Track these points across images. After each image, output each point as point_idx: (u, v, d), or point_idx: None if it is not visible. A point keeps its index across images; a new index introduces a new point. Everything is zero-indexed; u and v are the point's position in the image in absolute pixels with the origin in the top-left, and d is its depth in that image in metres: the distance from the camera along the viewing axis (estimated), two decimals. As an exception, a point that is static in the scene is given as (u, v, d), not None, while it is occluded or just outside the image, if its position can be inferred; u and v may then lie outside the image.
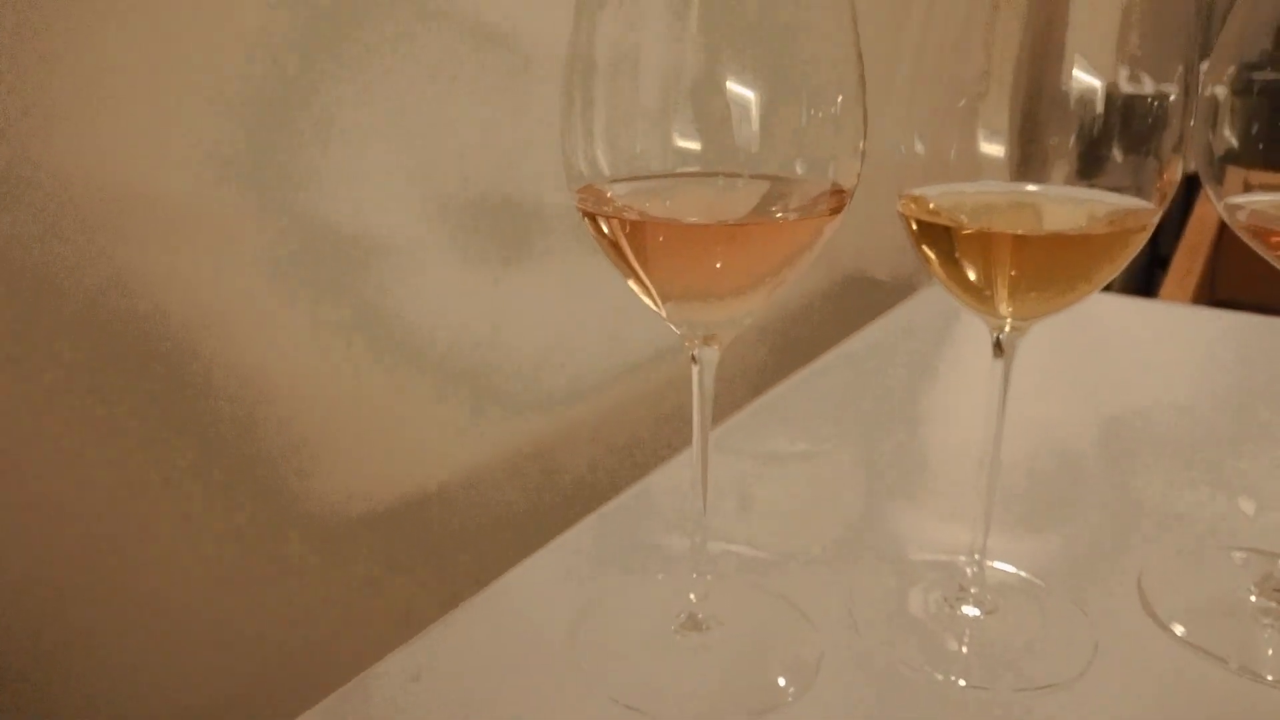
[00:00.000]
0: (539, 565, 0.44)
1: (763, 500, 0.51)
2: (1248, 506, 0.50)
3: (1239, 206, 0.37)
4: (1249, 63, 0.36)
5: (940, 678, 0.37)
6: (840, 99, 0.31)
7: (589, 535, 0.47)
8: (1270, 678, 0.37)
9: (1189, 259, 1.16)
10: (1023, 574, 0.44)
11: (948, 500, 0.51)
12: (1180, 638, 0.39)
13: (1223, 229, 1.28)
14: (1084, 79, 0.32)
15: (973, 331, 0.78)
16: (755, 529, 0.48)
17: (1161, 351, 0.75)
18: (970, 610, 0.41)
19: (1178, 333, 0.80)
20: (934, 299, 0.85)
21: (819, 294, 0.89)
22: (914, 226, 0.35)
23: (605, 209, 0.31)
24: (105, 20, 0.35)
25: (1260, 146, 0.36)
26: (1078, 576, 0.44)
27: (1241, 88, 0.37)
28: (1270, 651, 0.39)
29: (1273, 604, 0.41)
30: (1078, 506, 0.50)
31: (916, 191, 0.35)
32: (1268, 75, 0.36)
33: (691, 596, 0.39)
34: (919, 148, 0.35)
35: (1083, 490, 0.52)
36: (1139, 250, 0.34)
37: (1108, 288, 0.40)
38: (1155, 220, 0.34)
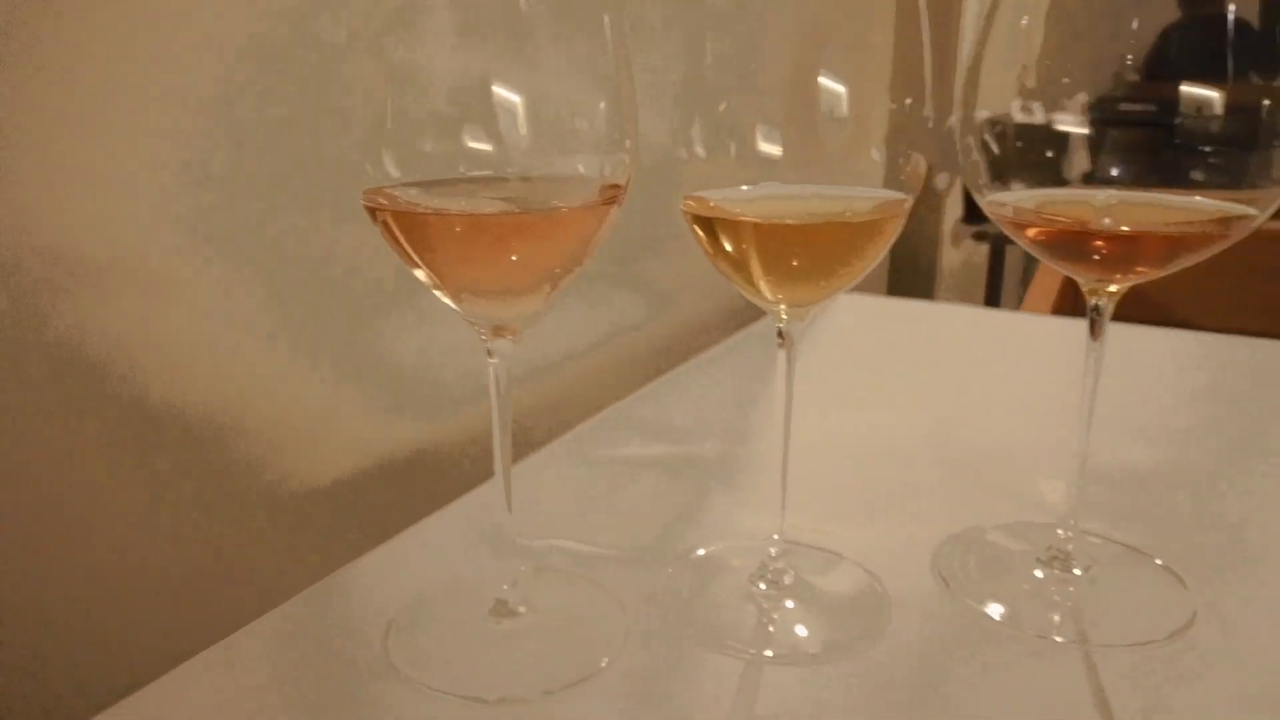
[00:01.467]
0: (363, 568, 0.45)
1: (603, 500, 0.52)
2: (1049, 490, 0.53)
3: (1002, 204, 0.40)
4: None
5: (752, 652, 0.39)
6: (602, 106, 0.34)
7: (417, 536, 0.48)
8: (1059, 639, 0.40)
9: (1049, 271, 1.22)
10: (830, 552, 0.46)
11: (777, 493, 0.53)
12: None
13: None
14: (832, 86, 0.35)
15: (835, 343, 0.81)
16: (589, 526, 0.49)
17: (994, 357, 0.80)
18: (766, 589, 0.43)
19: (1022, 340, 0.85)
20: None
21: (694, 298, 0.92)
22: (694, 224, 0.37)
23: (388, 207, 0.33)
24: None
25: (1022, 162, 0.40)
26: (872, 552, 0.46)
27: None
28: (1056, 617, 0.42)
29: (1055, 571, 0.44)
30: (874, 493, 0.53)
31: (699, 193, 0.38)
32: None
33: (505, 586, 0.41)
34: (700, 151, 0.37)
35: (876, 481, 0.55)
36: (896, 235, 0.37)
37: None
38: (908, 208, 0.37)
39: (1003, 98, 0.39)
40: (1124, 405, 0.66)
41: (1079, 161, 0.39)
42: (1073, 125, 0.39)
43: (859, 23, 0.36)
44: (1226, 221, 0.37)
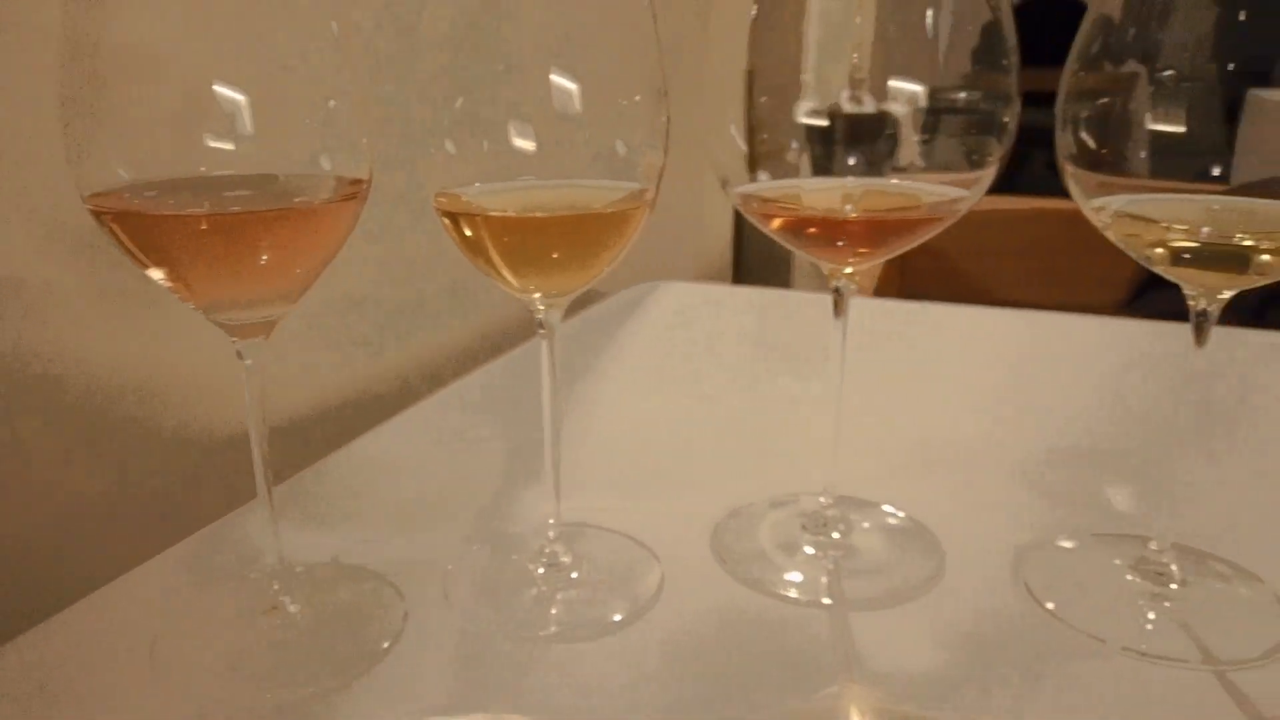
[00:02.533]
0: (134, 581, 0.44)
1: (391, 497, 0.53)
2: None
3: (749, 195, 0.43)
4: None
5: (525, 633, 0.40)
6: (332, 103, 0.34)
7: (188, 548, 0.47)
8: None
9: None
10: (609, 530, 0.48)
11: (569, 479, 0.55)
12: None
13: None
14: (567, 84, 0.36)
15: (650, 331, 0.83)
16: (375, 525, 0.50)
17: (803, 339, 0.84)
18: (545, 571, 0.44)
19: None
20: (633, 297, 0.91)
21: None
22: (444, 219, 0.38)
23: (111, 210, 0.33)
24: None
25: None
26: (650, 529, 0.48)
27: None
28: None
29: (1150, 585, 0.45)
30: (654, 475, 0.55)
31: (452, 189, 0.38)
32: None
33: (275, 585, 0.41)
34: (449, 148, 0.38)
35: (658, 463, 0.57)
36: (640, 226, 0.39)
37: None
38: (650, 199, 0.38)
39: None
40: (944, 379, 0.70)
41: (820, 153, 0.42)
42: (815, 119, 0.41)
43: (601, 22, 0.38)
44: (940, 205, 0.41)
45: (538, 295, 0.39)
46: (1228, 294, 0.39)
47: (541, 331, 0.41)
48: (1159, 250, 0.38)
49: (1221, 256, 0.37)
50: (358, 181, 0.36)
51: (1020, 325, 0.85)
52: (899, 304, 0.93)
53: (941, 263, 1.47)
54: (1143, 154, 0.39)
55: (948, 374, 0.73)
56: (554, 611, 0.42)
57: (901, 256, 1.46)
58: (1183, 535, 0.46)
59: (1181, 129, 0.38)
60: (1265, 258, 0.36)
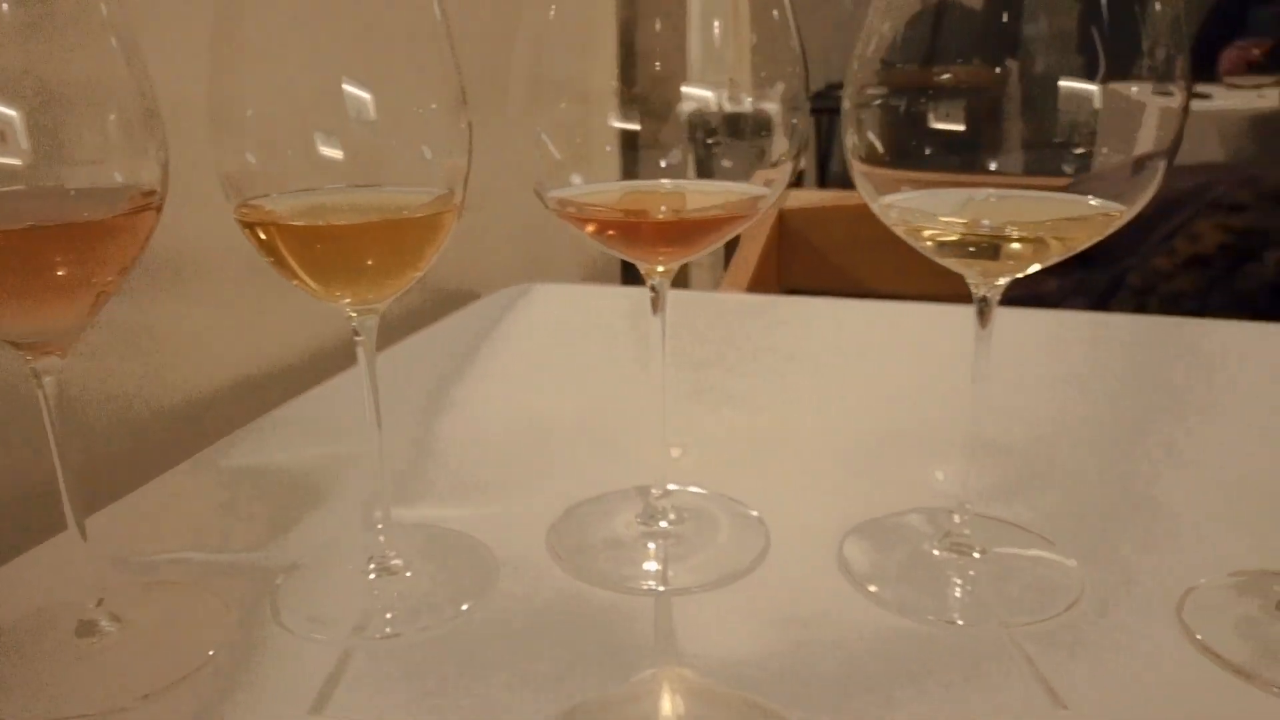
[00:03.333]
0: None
1: (226, 510, 0.52)
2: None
3: (562, 200, 0.44)
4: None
5: (354, 637, 0.40)
6: (112, 118, 0.34)
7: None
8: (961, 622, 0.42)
9: (747, 252, 1.31)
10: (448, 529, 0.49)
11: (403, 482, 0.55)
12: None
13: (780, 221, 1.45)
14: (360, 93, 0.37)
15: (521, 332, 0.84)
16: (210, 537, 0.49)
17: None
18: (377, 576, 0.45)
19: (712, 318, 0.91)
20: (501, 301, 0.91)
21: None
22: (248, 231, 0.38)
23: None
24: None
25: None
26: (487, 526, 0.49)
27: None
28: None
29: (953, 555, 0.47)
30: (495, 473, 0.56)
31: (256, 200, 0.38)
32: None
33: (89, 605, 0.40)
34: (251, 160, 0.38)
35: (500, 461, 0.58)
36: (448, 230, 0.40)
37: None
38: (458, 204, 0.39)
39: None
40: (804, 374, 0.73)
41: (630, 156, 0.43)
42: (624, 123, 0.42)
43: (390, 31, 0.38)
44: (742, 203, 0.42)
45: (347, 302, 0.40)
46: (1003, 281, 0.42)
47: (357, 338, 0.41)
48: (932, 243, 0.41)
49: (982, 247, 0.40)
50: (150, 193, 0.35)
51: (880, 316, 0.88)
52: (764, 299, 0.95)
53: (818, 257, 1.51)
54: (927, 151, 0.42)
55: (799, 365, 0.76)
56: (385, 613, 0.42)
57: (778, 252, 1.49)
58: (987, 507, 0.49)
59: (961, 126, 0.40)
60: (1016, 246, 0.39)
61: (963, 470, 0.46)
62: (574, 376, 0.73)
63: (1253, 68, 2.81)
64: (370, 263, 0.38)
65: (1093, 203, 0.39)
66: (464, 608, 0.42)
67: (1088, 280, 1.18)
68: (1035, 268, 0.40)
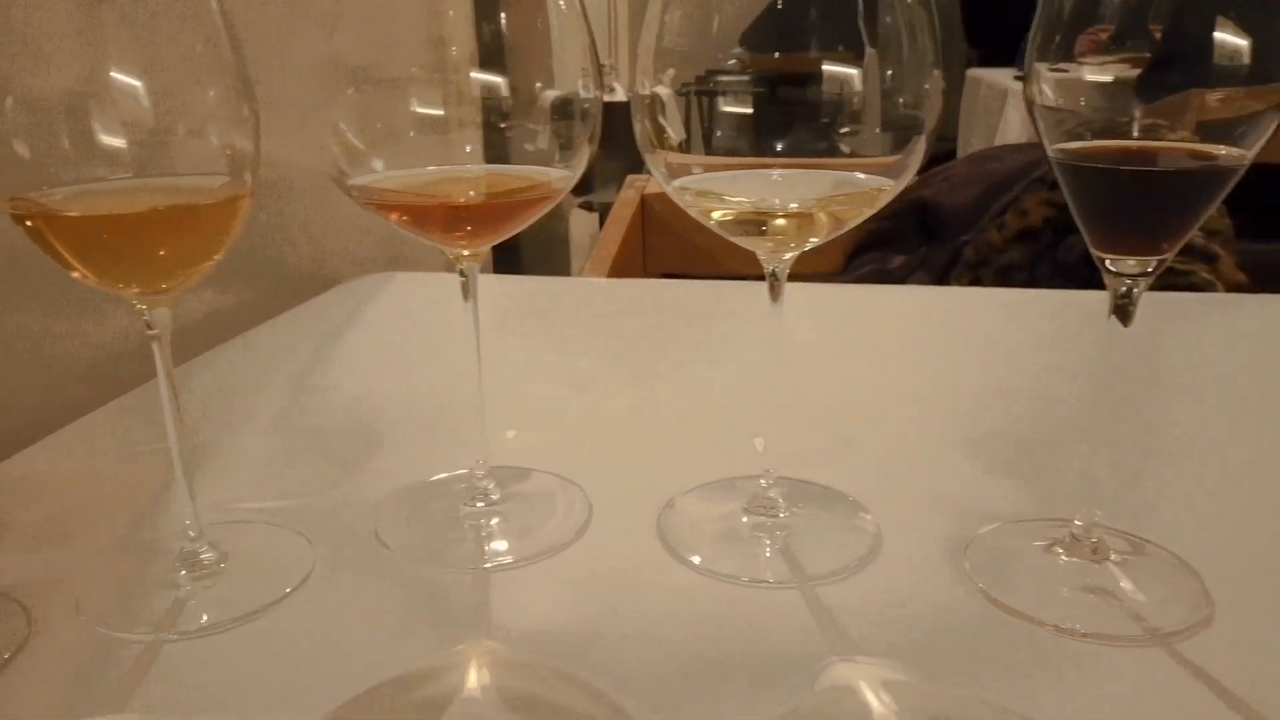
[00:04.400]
0: None
1: (42, 509, 0.51)
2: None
3: (362, 187, 0.44)
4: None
5: (136, 637, 0.40)
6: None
7: None
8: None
9: (609, 237, 1.33)
10: (264, 524, 0.48)
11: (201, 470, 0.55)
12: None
13: (643, 207, 1.48)
14: (130, 81, 0.36)
15: (374, 321, 0.83)
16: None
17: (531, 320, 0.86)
18: (185, 571, 0.44)
19: (575, 303, 0.92)
20: (349, 293, 0.90)
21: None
22: (23, 225, 0.37)
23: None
24: None
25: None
26: (316, 514, 0.49)
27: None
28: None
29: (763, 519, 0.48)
30: (310, 467, 0.56)
31: (28, 194, 0.37)
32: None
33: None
34: (21, 151, 0.37)
35: (310, 452, 0.58)
36: (242, 216, 0.39)
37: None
38: (248, 190, 0.39)
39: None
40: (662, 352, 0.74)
41: (434, 141, 0.44)
42: (426, 108, 0.43)
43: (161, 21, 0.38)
44: (539, 187, 0.43)
45: (135, 291, 0.39)
46: (788, 255, 0.44)
47: (150, 333, 0.41)
48: (721, 223, 0.43)
49: (763, 224, 0.42)
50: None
51: (723, 295, 0.91)
52: (612, 282, 0.97)
53: (681, 241, 1.54)
54: (717, 134, 0.44)
55: (633, 347, 0.78)
56: (195, 609, 0.42)
57: (642, 237, 1.50)
58: (800, 471, 0.52)
59: (745, 110, 0.42)
60: (783, 222, 0.41)
61: (774, 438, 0.49)
62: (419, 363, 0.73)
63: (1101, 48, 2.99)
64: (151, 251, 0.38)
65: (861, 178, 0.42)
66: (274, 601, 0.42)
67: (930, 256, 1.24)
68: (814, 241, 0.43)
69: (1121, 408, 0.60)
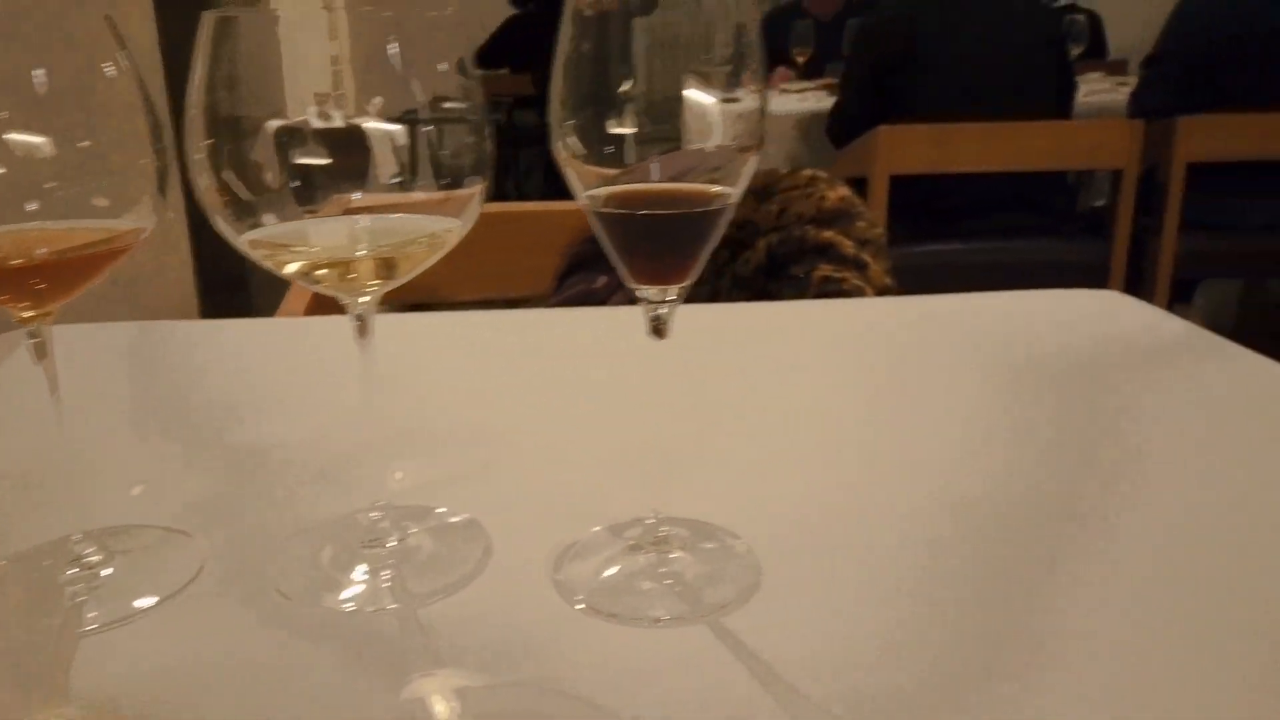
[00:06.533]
0: None
1: None
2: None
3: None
4: None
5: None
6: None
7: None
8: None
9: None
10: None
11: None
12: None
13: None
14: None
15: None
16: None
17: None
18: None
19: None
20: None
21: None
22: None
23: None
24: None
25: None
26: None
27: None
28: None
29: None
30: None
31: None
32: None
33: None
34: None
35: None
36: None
37: None
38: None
39: None
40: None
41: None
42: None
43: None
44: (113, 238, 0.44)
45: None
46: (364, 299, 0.46)
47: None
48: (292, 272, 0.45)
49: (332, 272, 0.45)
50: None
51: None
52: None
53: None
54: (294, 184, 0.45)
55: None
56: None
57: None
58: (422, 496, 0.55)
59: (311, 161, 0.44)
60: (349, 269, 0.44)
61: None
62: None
63: (798, 74, 3.26)
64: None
65: (427, 221, 0.45)
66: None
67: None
68: (381, 285, 0.45)
69: (705, 405, 0.68)
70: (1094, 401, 0.68)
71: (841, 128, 2.53)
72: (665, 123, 0.42)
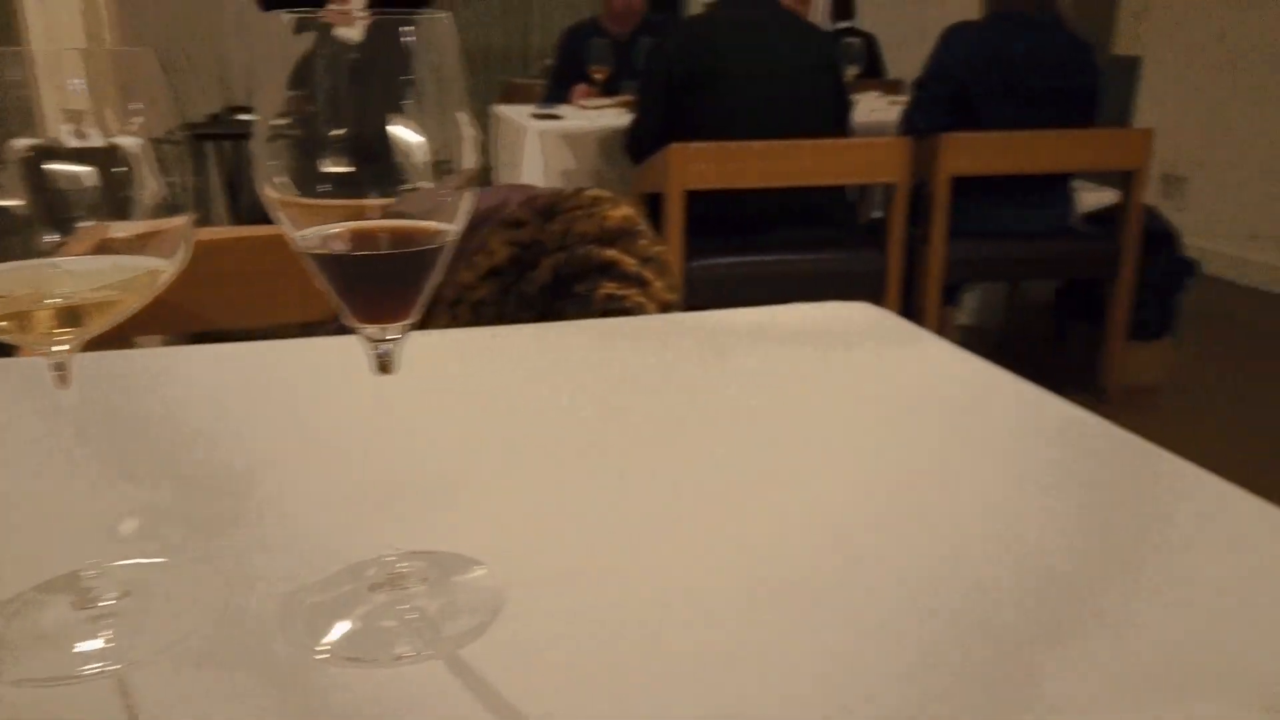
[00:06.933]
0: None
1: None
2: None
3: None
4: None
5: None
6: None
7: None
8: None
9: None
10: None
11: None
12: None
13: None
14: None
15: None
16: None
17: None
18: None
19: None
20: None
21: None
22: None
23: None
24: None
25: None
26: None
27: None
28: None
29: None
30: None
31: None
32: None
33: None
34: None
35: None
36: None
37: None
38: None
39: None
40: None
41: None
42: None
43: None
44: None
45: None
46: (58, 348, 0.44)
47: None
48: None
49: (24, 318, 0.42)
50: None
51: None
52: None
53: (154, 301, 1.45)
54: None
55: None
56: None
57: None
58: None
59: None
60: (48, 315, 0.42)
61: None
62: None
63: (598, 91, 3.32)
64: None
65: (140, 261, 0.43)
66: None
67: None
68: (98, 329, 0.43)
69: (452, 434, 0.68)
70: (806, 400, 0.74)
71: (639, 144, 2.60)
72: (375, 162, 0.42)
